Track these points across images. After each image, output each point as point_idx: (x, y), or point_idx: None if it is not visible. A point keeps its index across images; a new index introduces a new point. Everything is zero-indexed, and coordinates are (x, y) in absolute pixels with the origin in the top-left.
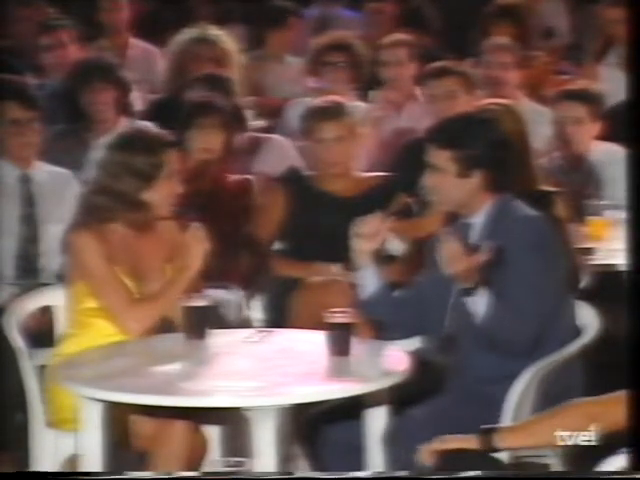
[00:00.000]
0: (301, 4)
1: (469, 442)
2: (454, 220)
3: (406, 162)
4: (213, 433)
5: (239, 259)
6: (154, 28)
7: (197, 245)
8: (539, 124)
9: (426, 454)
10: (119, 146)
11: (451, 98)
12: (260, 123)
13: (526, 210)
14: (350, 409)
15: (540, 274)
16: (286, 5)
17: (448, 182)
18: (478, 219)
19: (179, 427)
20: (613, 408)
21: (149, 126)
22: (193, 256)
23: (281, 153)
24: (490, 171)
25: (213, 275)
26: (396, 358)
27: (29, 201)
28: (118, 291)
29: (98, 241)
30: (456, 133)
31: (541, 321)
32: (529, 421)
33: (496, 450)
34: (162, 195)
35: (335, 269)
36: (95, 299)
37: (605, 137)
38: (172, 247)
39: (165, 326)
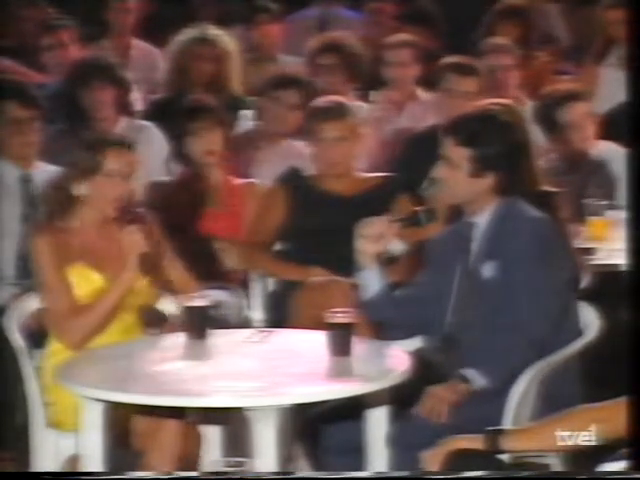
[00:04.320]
0: (301, 4)
1: (475, 442)
2: (458, 216)
3: (410, 157)
4: (213, 433)
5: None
6: (155, 28)
7: (131, 249)
8: (541, 124)
9: (431, 458)
10: (77, 143)
11: (467, 98)
12: (260, 123)
13: (531, 212)
14: (351, 409)
15: (545, 276)
16: (263, 5)
17: (459, 179)
18: (482, 219)
19: (171, 425)
20: (619, 413)
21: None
22: (127, 260)
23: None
24: (502, 174)
25: (212, 275)
26: (397, 358)
27: (29, 201)
28: (60, 300)
29: (49, 241)
30: (476, 132)
31: (545, 323)
32: (536, 425)
33: (501, 452)
34: (99, 192)
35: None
36: (42, 302)
37: (606, 137)
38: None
39: (165, 326)
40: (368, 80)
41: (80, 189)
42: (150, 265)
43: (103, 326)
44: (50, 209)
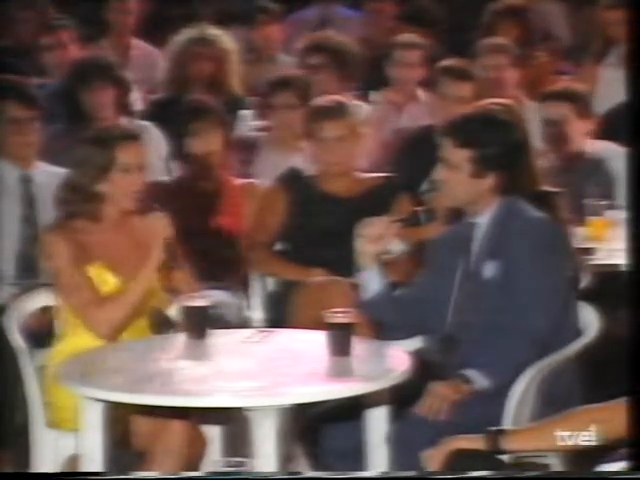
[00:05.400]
0: (301, 4)
1: (475, 442)
2: (459, 217)
3: (406, 156)
4: (214, 433)
5: (238, 258)
6: (155, 28)
7: (157, 235)
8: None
9: (432, 458)
10: (83, 140)
11: (461, 102)
12: (260, 123)
13: (532, 212)
14: (351, 409)
15: (546, 276)
16: (262, 5)
17: (460, 180)
18: (484, 219)
19: (178, 426)
20: (619, 413)
21: (116, 123)
22: (153, 246)
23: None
24: (503, 174)
25: (212, 274)
26: (397, 358)
27: (29, 201)
28: (83, 293)
29: (66, 241)
30: (476, 133)
31: (547, 323)
32: (536, 425)
33: (501, 452)
34: (119, 188)
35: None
36: (64, 301)
37: (605, 137)
38: (140, 239)
39: (165, 326)
40: (360, 79)
41: (97, 187)
42: (170, 256)
43: (133, 315)
44: (66, 209)
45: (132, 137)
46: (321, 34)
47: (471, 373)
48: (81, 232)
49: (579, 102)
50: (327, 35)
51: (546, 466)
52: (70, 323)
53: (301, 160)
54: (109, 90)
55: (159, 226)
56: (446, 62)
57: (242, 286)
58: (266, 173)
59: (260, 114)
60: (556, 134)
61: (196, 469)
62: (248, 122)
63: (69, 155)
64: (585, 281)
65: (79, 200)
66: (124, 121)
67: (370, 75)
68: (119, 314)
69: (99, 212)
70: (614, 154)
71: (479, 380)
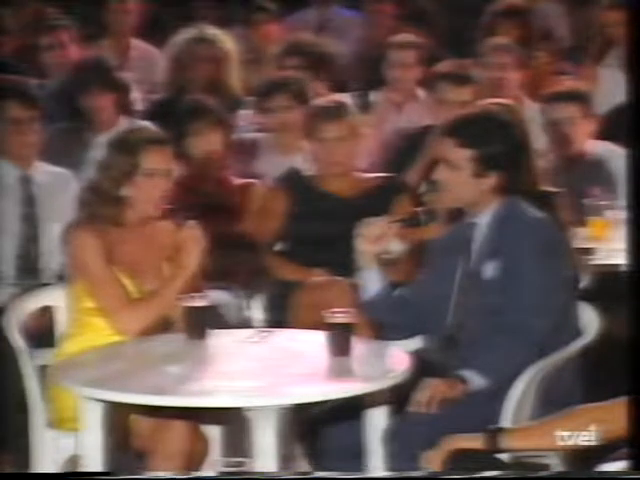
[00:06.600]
0: (300, 4)
1: (474, 441)
2: (459, 217)
3: (410, 155)
4: (214, 433)
5: (240, 260)
6: (154, 29)
7: (193, 244)
8: (540, 124)
9: (432, 458)
10: (106, 144)
11: (462, 106)
12: (259, 124)
13: (533, 212)
14: (351, 409)
15: (547, 277)
16: (261, 5)
17: (462, 180)
18: (484, 219)
19: (179, 427)
20: (619, 413)
21: (142, 125)
22: (189, 255)
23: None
24: (504, 173)
25: (214, 275)
26: (397, 358)
27: (29, 201)
28: (114, 290)
29: (95, 239)
30: (477, 132)
31: (547, 323)
32: (535, 424)
33: (501, 451)
34: (143, 193)
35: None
36: (92, 298)
37: (605, 137)
38: (169, 246)
39: (165, 326)
40: (340, 80)
41: (120, 191)
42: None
43: (159, 314)
44: (88, 211)
45: (158, 141)
46: (298, 37)
47: (468, 373)
48: (104, 233)
49: (584, 102)
50: (304, 38)
51: (546, 466)
52: (78, 323)
53: (301, 160)
54: (109, 94)
55: (195, 235)
56: (444, 67)
57: (243, 286)
58: (266, 173)
59: (259, 115)
60: (562, 135)
61: (198, 470)
62: (248, 122)
63: (85, 157)
64: (585, 281)
65: (101, 203)
66: (124, 121)
67: (370, 75)
68: (149, 317)
69: (121, 216)
70: (614, 154)
71: (476, 380)
